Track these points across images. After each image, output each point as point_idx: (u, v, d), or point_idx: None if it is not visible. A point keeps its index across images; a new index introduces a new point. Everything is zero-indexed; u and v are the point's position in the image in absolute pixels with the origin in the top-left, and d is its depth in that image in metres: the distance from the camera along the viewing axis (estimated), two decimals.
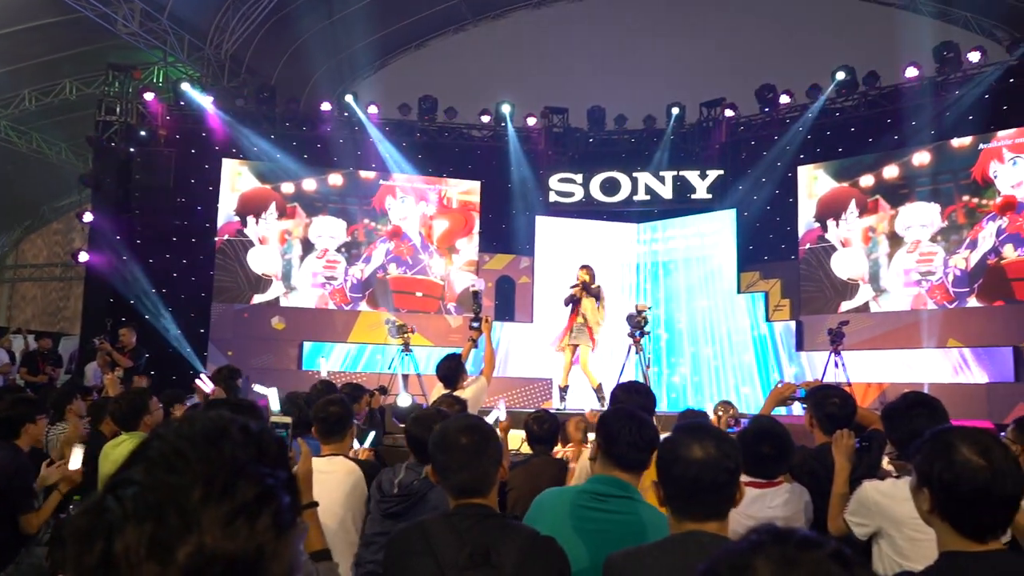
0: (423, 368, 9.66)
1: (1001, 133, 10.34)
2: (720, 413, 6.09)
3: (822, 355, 9.96)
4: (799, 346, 11.30)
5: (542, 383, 11.20)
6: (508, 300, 12.72)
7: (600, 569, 1.89)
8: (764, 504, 2.89)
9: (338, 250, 12.55)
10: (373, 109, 12.88)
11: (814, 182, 11.75)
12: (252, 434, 0.78)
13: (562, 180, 12.99)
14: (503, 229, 13.05)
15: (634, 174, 12.84)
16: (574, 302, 8.87)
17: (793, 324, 11.47)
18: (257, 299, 12.15)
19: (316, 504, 2.12)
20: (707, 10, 14.45)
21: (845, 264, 11.38)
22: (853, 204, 11.38)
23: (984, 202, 10.39)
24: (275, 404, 5.39)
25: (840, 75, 11.57)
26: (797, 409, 5.24)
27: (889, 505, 2.55)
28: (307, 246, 12.44)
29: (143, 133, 12.12)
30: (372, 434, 4.50)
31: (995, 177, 10.32)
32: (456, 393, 4.63)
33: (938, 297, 10.59)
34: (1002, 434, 3.43)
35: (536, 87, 13.69)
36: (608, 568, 1.85)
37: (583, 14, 15.83)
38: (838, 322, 9.75)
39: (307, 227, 12.47)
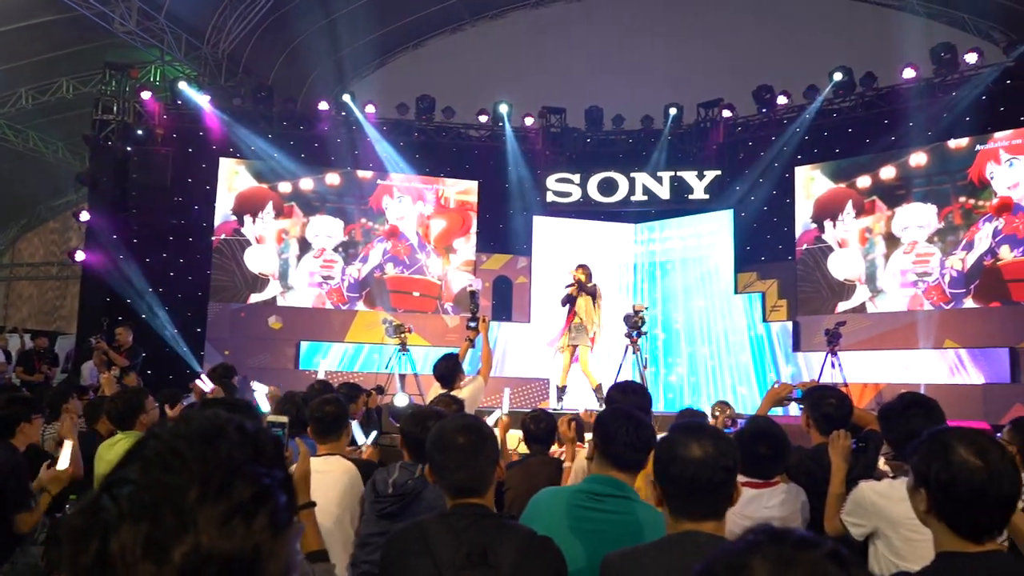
0: (420, 368, 9.65)
1: (998, 134, 10.36)
2: (717, 413, 6.09)
3: (819, 355, 9.97)
4: (796, 346, 11.32)
5: (539, 383, 11.20)
6: (505, 300, 12.72)
7: (597, 569, 1.89)
8: (761, 504, 2.89)
9: (335, 249, 12.54)
10: (371, 108, 12.87)
11: (811, 183, 11.77)
12: (248, 433, 0.78)
13: (560, 180, 12.99)
14: (500, 229, 13.05)
15: (632, 174, 12.85)
16: (571, 301, 8.87)
17: (790, 324, 11.48)
18: (254, 298, 12.13)
19: (314, 504, 2.11)
20: (705, 11, 14.47)
21: (842, 265, 11.40)
22: (850, 205, 11.39)
23: (980, 203, 10.41)
24: (263, 404, 5.39)
25: (837, 76, 11.59)
26: (794, 409, 5.24)
27: (885, 505, 2.55)
28: (304, 245, 12.43)
29: (140, 132, 12.10)
30: (374, 433, 4.50)
31: (991, 178, 10.34)
32: (453, 393, 4.62)
33: (934, 298, 10.60)
34: (998, 435, 3.43)
35: (534, 87, 13.68)
36: (605, 568, 1.85)
37: (581, 14, 15.83)
38: (835, 323, 9.77)
39: (304, 226, 12.46)
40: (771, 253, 12.10)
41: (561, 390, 9.08)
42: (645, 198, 12.78)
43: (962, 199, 10.56)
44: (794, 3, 14.02)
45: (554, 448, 4.56)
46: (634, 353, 8.67)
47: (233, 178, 12.29)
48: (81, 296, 12.38)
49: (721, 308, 12.05)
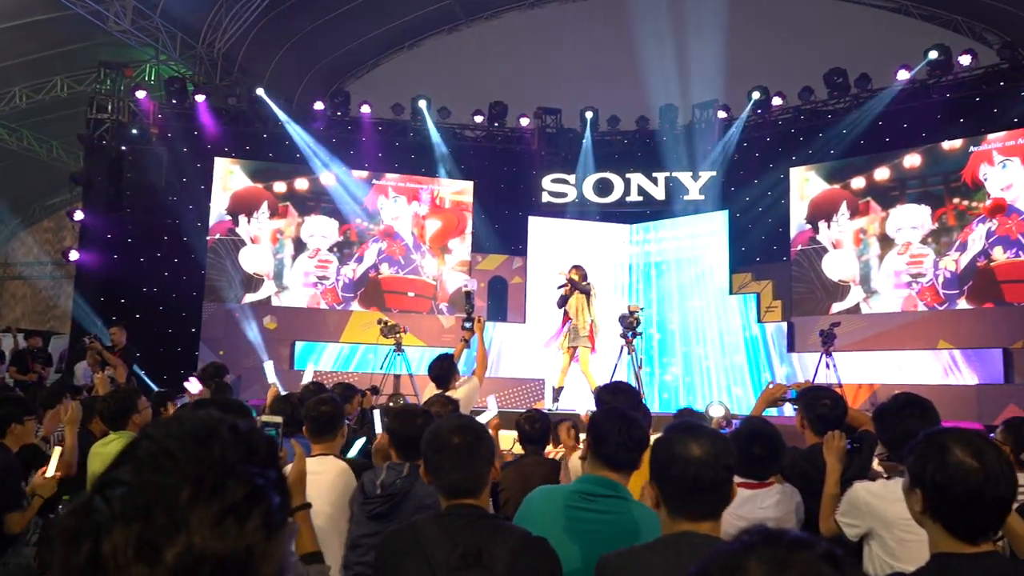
0: (415, 368, 9.64)
1: (991, 136, 10.40)
2: (712, 415, 6.09)
3: (813, 356, 10.00)
4: (790, 347, 11.34)
5: (534, 383, 11.20)
6: (500, 300, 12.73)
7: (592, 569, 1.88)
8: (755, 505, 2.89)
9: (330, 250, 12.52)
10: (366, 108, 12.86)
11: (806, 184, 11.80)
12: (242, 434, 0.77)
13: (555, 180, 13.00)
14: (496, 229, 13.05)
15: (627, 175, 12.87)
16: (565, 302, 8.89)
17: (785, 325, 11.50)
18: (249, 298, 12.11)
19: (309, 506, 2.11)
20: (700, 11, 14.47)
21: (836, 266, 11.43)
22: (844, 206, 11.43)
23: (974, 204, 10.45)
24: (270, 375, 5.46)
25: (833, 78, 11.62)
26: (788, 410, 5.24)
27: (880, 506, 2.55)
28: (299, 245, 12.41)
29: (135, 131, 12.08)
30: (362, 440, 4.46)
31: (985, 180, 10.37)
32: (448, 393, 4.62)
33: (928, 299, 10.64)
34: (991, 435, 3.44)
35: (529, 87, 13.68)
36: (601, 569, 1.84)
37: (576, 15, 15.84)
38: (829, 323, 9.79)
39: (299, 226, 12.44)
40: (766, 254, 12.13)
41: (557, 391, 9.08)
42: (640, 199, 12.80)
43: (956, 200, 10.59)
44: (789, 5, 14.04)
45: (549, 448, 4.56)
46: (629, 354, 8.68)
47: (228, 178, 12.26)
48: (75, 296, 12.34)
49: (716, 309, 12.06)
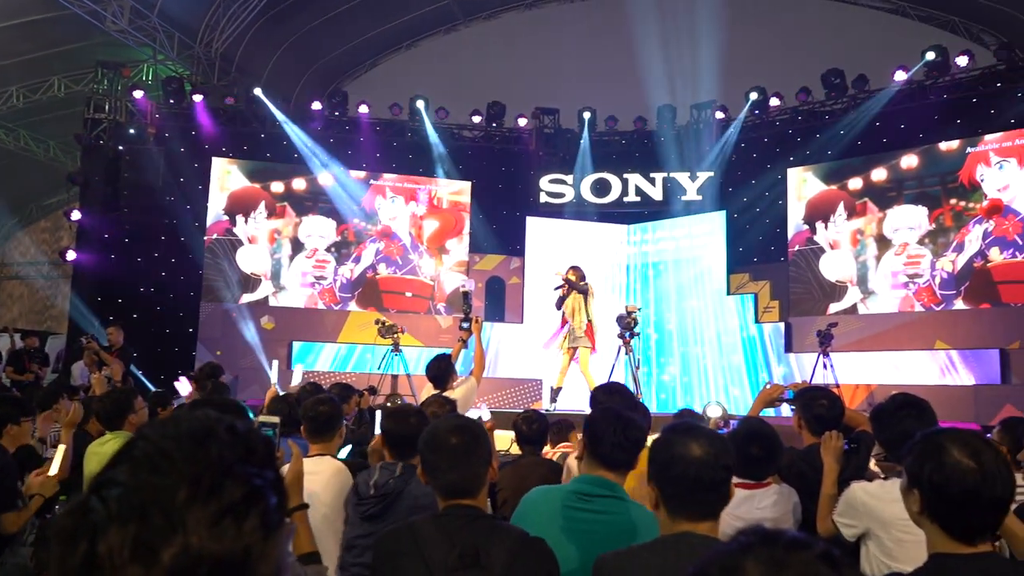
0: (413, 368, 9.65)
1: (988, 137, 10.42)
2: (710, 415, 6.09)
3: (811, 356, 10.01)
4: (788, 347, 11.35)
5: (532, 383, 11.20)
6: (498, 301, 12.72)
7: (589, 570, 1.88)
8: (753, 505, 2.89)
9: (328, 250, 12.51)
10: (364, 108, 12.85)
11: (803, 184, 11.81)
12: (239, 434, 0.77)
13: (552, 181, 13.00)
14: (493, 229, 13.05)
15: (625, 175, 12.88)
16: (562, 302, 8.90)
17: (782, 325, 11.52)
18: (246, 298, 12.10)
19: (306, 506, 2.10)
20: (698, 12, 14.48)
21: (834, 266, 11.44)
22: (842, 207, 11.44)
23: (971, 205, 10.47)
24: (274, 375, 5.47)
25: (830, 78, 11.63)
26: (785, 410, 5.25)
27: (877, 506, 2.56)
28: (297, 245, 12.40)
29: (132, 131, 12.06)
30: (347, 447, 4.43)
31: (982, 180, 10.39)
32: (446, 394, 4.62)
33: (925, 299, 10.66)
34: (988, 435, 3.45)
35: (527, 88, 13.68)
36: (598, 569, 1.84)
37: (574, 15, 15.84)
38: (827, 324, 9.81)
39: (297, 226, 12.43)
40: (763, 254, 12.14)
41: (556, 391, 9.08)
42: (638, 199, 12.81)
43: (952, 201, 10.61)
44: (787, 5, 14.05)
45: (546, 449, 4.56)
46: (626, 354, 8.69)
47: (225, 178, 12.25)
48: (72, 296, 12.32)
49: (714, 309, 12.07)
